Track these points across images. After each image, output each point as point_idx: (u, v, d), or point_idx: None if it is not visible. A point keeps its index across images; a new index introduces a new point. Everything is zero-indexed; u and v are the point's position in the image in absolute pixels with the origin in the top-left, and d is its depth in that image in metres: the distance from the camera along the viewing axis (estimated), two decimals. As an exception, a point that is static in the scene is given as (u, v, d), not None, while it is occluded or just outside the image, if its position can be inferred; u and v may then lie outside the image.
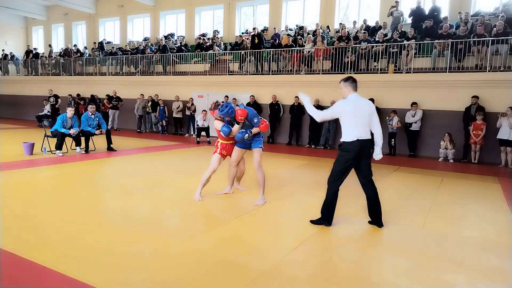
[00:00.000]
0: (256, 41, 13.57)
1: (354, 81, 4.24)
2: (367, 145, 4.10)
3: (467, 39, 10.08)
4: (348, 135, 4.08)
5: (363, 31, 12.44)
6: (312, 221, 4.30)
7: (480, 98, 9.75)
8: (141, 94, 15.19)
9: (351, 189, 6.26)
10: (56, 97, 16.66)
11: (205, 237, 3.81)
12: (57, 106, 16.49)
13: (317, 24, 13.92)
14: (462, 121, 9.90)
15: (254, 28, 14.27)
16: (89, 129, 8.89)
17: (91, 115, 9.06)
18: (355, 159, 4.11)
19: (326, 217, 4.21)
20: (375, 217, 4.28)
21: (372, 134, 4.23)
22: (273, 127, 12.70)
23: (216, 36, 15.95)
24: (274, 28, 14.61)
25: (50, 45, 21.40)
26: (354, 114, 4.10)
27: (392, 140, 10.59)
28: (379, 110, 10.84)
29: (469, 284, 3.02)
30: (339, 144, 4.27)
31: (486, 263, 3.44)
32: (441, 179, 7.37)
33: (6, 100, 20.93)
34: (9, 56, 21.37)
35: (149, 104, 14.85)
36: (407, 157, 10.34)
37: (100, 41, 19.45)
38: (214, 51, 14.61)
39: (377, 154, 4.31)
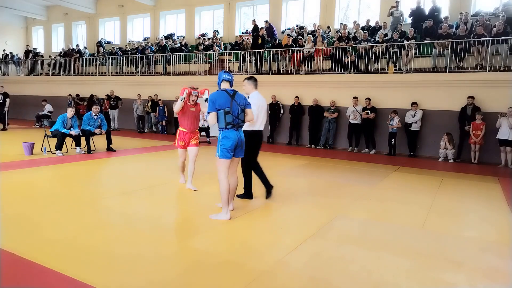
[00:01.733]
0: (260, 41, 13.52)
1: (255, 80, 5.12)
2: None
3: (467, 39, 10.08)
4: (255, 125, 5.03)
5: (363, 31, 12.45)
6: (238, 196, 5.14)
7: (480, 98, 9.75)
8: (138, 94, 15.17)
9: (351, 188, 6.26)
10: (5, 95, 14.09)
11: (204, 237, 3.81)
12: (5, 108, 14.03)
13: (314, 24, 13.91)
14: (458, 121, 9.90)
15: (261, 28, 14.09)
16: (89, 128, 8.85)
17: (94, 115, 9.03)
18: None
19: (248, 192, 5.28)
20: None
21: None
22: (273, 127, 12.71)
23: (216, 36, 15.96)
24: (266, 22, 14.59)
25: (35, 48, 21.47)
26: (258, 109, 4.97)
27: (392, 140, 10.58)
28: (377, 110, 10.94)
29: (469, 284, 3.02)
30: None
31: (486, 263, 3.44)
32: (441, 179, 7.37)
33: (6, 100, 20.89)
34: (9, 56, 21.36)
35: (149, 104, 14.85)
36: (407, 157, 10.34)
37: (98, 40, 19.46)
38: (214, 51, 14.60)
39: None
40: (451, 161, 9.77)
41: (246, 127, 4.78)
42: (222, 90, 4.25)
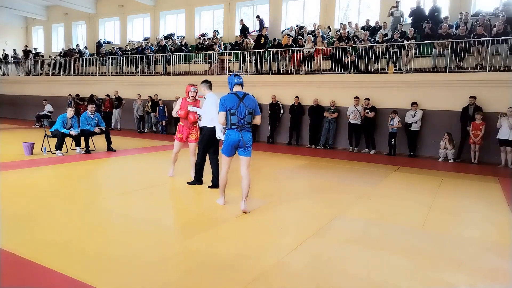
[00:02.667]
0: (263, 41, 13.52)
1: (209, 82, 5.88)
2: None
3: (467, 39, 10.08)
4: (207, 122, 5.70)
5: (363, 31, 12.45)
6: (188, 183, 5.95)
7: (480, 98, 9.75)
8: (138, 94, 15.18)
9: (351, 188, 6.26)
10: None
11: (205, 237, 3.81)
12: None
13: (314, 24, 13.91)
14: (460, 121, 9.90)
15: (264, 27, 14.06)
16: (88, 127, 8.87)
17: (91, 114, 9.05)
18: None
19: (199, 178, 6.02)
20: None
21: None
22: (273, 127, 12.70)
23: (216, 36, 15.96)
24: (258, 17, 14.60)
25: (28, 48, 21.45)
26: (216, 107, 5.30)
27: (393, 140, 10.59)
28: (377, 110, 10.94)
29: (469, 284, 3.02)
30: (201, 128, 5.92)
31: (486, 263, 3.44)
32: (441, 179, 7.37)
33: (6, 100, 20.93)
34: (9, 56, 21.36)
35: (149, 104, 14.85)
36: (407, 157, 10.34)
37: (97, 41, 19.46)
38: (214, 51, 14.60)
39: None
40: (451, 161, 9.77)
41: (206, 123, 5.69)
42: (233, 93, 4.56)
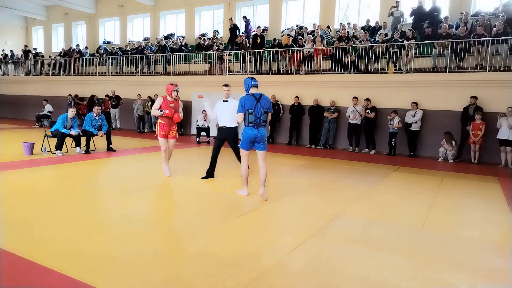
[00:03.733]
0: (259, 41, 13.56)
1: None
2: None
3: (467, 39, 10.08)
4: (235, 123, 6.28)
5: (364, 31, 12.45)
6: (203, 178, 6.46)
7: (480, 98, 9.75)
8: (138, 94, 15.19)
9: (351, 188, 6.26)
10: None
11: (205, 237, 3.81)
12: None
13: (314, 24, 13.92)
14: (460, 121, 9.90)
15: (258, 27, 14.20)
16: (91, 130, 8.90)
17: (96, 116, 9.06)
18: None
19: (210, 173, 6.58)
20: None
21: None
22: (273, 127, 12.70)
23: (216, 36, 15.95)
24: (244, 17, 14.72)
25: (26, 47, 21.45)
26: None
27: (393, 140, 10.59)
28: (377, 110, 10.94)
29: (469, 284, 3.02)
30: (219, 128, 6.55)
31: (486, 263, 3.44)
32: (441, 179, 7.37)
33: (6, 100, 20.93)
34: (9, 56, 21.36)
35: (149, 104, 14.85)
36: (407, 157, 10.35)
37: (98, 46, 19.49)
38: (214, 51, 14.60)
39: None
40: (451, 161, 9.77)
41: (232, 123, 6.28)
42: (250, 94, 5.09)
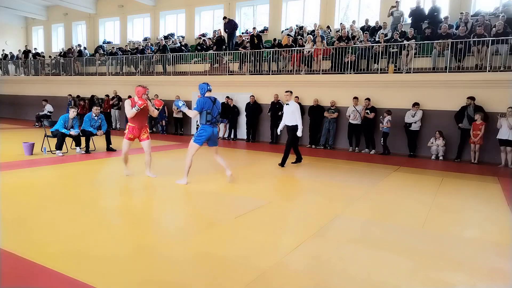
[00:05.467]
0: (256, 41, 13.60)
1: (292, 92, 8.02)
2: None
3: (467, 39, 10.08)
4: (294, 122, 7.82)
5: (363, 32, 12.44)
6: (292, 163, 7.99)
7: (480, 98, 9.75)
8: None
9: (351, 188, 6.26)
10: None
11: (205, 237, 3.81)
12: None
13: (315, 24, 13.92)
14: (454, 119, 9.92)
15: (253, 28, 14.30)
16: (90, 129, 8.92)
17: (95, 116, 9.08)
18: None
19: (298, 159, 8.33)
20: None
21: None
22: (273, 127, 12.70)
23: (216, 36, 15.93)
24: (225, 18, 14.63)
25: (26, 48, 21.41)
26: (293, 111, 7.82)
27: (381, 139, 10.66)
28: (376, 110, 10.93)
29: (469, 284, 3.02)
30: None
31: (486, 263, 3.44)
32: (441, 179, 7.37)
33: (6, 100, 20.93)
34: (9, 56, 21.36)
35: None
36: (407, 157, 10.34)
37: (98, 45, 19.47)
38: (214, 51, 14.61)
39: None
40: (441, 158, 9.96)
41: (292, 122, 7.83)
42: (207, 97, 5.81)
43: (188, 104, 14.54)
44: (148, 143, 6.49)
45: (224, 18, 14.60)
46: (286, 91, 8.03)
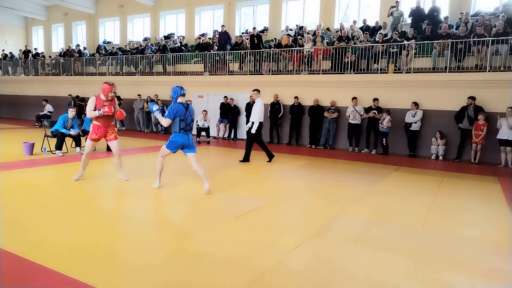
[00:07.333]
0: (256, 41, 13.61)
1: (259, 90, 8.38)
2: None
3: (467, 39, 10.08)
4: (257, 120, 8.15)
5: (364, 32, 12.44)
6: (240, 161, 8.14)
7: (480, 98, 9.75)
8: (138, 95, 15.20)
9: (351, 188, 6.26)
10: None
11: (205, 237, 3.81)
12: None
13: (319, 24, 13.91)
14: (454, 119, 9.92)
15: (253, 28, 14.31)
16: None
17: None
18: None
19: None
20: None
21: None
22: (273, 127, 12.71)
23: (216, 36, 15.94)
24: (223, 26, 14.73)
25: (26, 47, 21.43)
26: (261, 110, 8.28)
27: (383, 139, 10.63)
28: (381, 110, 10.92)
29: (469, 284, 3.02)
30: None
31: (486, 263, 3.44)
32: (441, 179, 7.37)
33: (6, 100, 20.93)
34: (9, 56, 21.36)
35: (147, 104, 14.88)
36: (407, 157, 10.34)
37: (98, 44, 19.48)
38: (214, 51, 14.61)
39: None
40: (440, 157, 9.95)
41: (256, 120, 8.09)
42: (179, 103, 5.36)
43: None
44: (117, 144, 6.04)
45: (222, 26, 14.67)
46: (254, 90, 8.17)
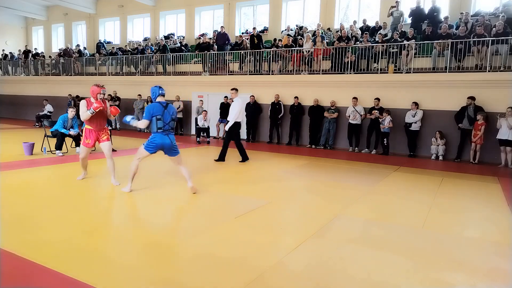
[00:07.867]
0: (256, 41, 13.61)
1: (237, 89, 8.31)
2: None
3: (467, 39, 10.08)
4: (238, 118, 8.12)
5: (364, 32, 12.44)
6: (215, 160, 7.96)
7: (480, 98, 9.75)
8: (139, 95, 15.21)
9: (351, 188, 6.26)
10: None
11: (205, 237, 3.81)
12: None
13: (318, 24, 13.91)
14: (454, 119, 9.92)
15: (254, 28, 14.32)
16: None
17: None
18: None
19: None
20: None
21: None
22: (273, 126, 12.70)
23: (216, 36, 15.94)
24: (222, 27, 14.73)
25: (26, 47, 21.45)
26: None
27: (385, 139, 10.62)
28: (383, 110, 10.92)
29: (469, 284, 3.02)
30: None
31: (486, 263, 3.44)
32: (441, 179, 7.37)
33: (6, 100, 20.92)
34: (9, 56, 21.36)
35: (147, 104, 14.88)
36: (407, 157, 10.34)
37: (98, 42, 19.48)
38: (214, 51, 14.61)
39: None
40: (440, 157, 9.95)
41: (238, 119, 8.06)
42: (157, 102, 5.26)
43: (188, 104, 14.70)
44: (109, 146, 5.92)
45: (222, 27, 14.69)
46: (232, 89, 8.17)
